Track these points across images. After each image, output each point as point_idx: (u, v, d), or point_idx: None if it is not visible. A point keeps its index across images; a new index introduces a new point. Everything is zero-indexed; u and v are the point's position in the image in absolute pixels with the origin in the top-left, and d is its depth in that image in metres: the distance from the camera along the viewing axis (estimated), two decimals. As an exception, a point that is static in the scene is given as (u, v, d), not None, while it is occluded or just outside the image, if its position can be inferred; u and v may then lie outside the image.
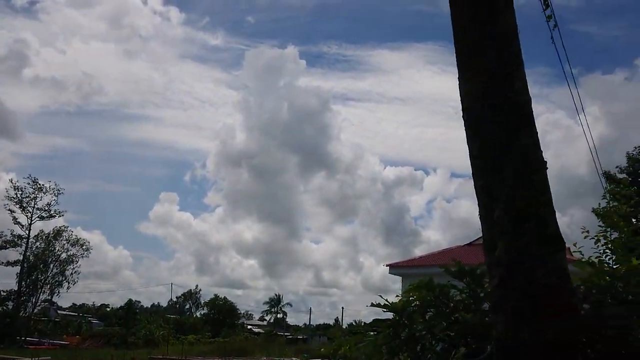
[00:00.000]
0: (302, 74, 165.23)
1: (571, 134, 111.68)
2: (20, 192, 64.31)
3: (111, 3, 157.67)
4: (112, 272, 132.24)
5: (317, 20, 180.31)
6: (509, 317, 3.42)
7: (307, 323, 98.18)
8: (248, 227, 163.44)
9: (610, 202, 12.65)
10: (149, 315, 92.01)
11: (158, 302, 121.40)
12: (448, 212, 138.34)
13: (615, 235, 8.85)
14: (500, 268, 3.48)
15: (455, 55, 4.13)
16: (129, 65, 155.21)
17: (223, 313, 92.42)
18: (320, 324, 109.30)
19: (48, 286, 68.54)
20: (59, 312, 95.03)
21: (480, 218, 3.79)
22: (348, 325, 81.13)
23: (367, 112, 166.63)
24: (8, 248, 63.20)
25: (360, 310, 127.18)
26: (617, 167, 31.15)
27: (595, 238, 8.23)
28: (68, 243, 69.13)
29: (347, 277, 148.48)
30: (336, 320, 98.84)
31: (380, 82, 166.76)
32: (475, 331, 6.52)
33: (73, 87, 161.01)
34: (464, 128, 4.05)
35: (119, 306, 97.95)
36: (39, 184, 65.39)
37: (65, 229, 69.55)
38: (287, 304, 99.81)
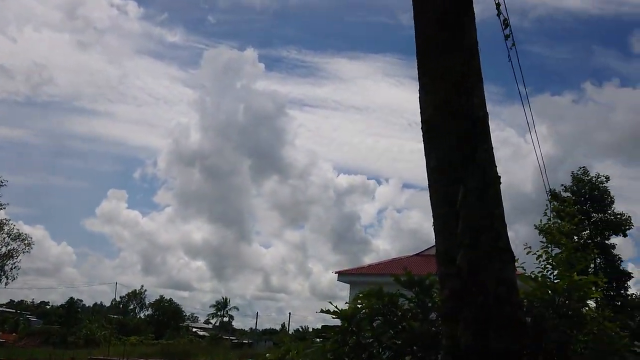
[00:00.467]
0: (260, 77, 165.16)
1: (519, 152, 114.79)
2: (-42, 182, 61.77)
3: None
4: (54, 269, 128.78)
5: (278, 25, 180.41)
6: (460, 327, 3.50)
7: (254, 327, 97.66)
8: (197, 228, 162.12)
9: (551, 219, 13.08)
10: (90, 315, 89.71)
11: (101, 302, 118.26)
12: (398, 222, 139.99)
13: (556, 251, 9.20)
14: (457, 279, 3.55)
15: (417, 66, 4.22)
16: (82, 57, 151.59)
17: (168, 315, 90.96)
18: (266, 329, 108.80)
19: (-15, 281, 65.98)
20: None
21: (434, 229, 3.86)
22: (295, 330, 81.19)
23: (323, 119, 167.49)
24: (-57, 239, 60.51)
25: (307, 316, 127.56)
26: (562, 185, 32.29)
27: (537, 254, 8.53)
28: (9, 237, 66.74)
29: (295, 283, 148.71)
30: (283, 325, 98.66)
31: (337, 90, 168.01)
32: (422, 340, 6.64)
33: (22, 76, 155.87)
34: (417, 140, 4.13)
35: (59, 304, 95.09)
36: (-19, 174, 62.99)
37: (7, 222, 67.22)
38: (234, 307, 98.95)
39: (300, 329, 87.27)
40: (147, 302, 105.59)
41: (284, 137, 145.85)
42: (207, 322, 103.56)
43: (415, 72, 4.23)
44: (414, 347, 6.77)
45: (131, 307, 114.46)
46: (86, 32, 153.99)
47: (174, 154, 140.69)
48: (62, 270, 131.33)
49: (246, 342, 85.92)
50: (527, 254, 8.74)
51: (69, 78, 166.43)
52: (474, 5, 4.24)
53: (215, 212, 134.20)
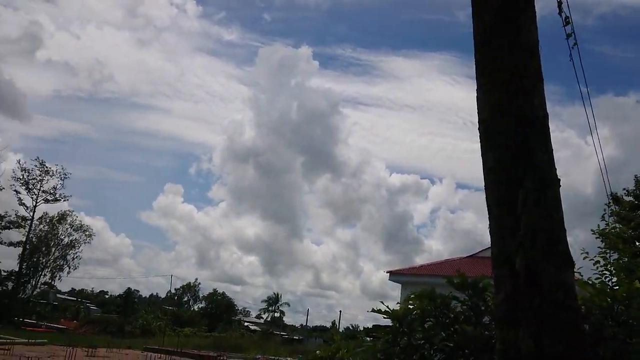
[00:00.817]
0: (314, 74, 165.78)
1: (580, 154, 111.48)
2: (27, 174, 64.64)
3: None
4: (113, 260, 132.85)
5: (333, 23, 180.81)
6: (515, 331, 3.43)
7: (304, 324, 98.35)
8: (250, 224, 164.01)
9: (609, 224, 12.61)
10: (147, 305, 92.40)
11: (157, 293, 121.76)
12: (451, 222, 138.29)
13: (614, 256, 8.88)
14: (513, 282, 3.48)
15: (475, 66, 4.14)
16: (141, 55, 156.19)
17: (220, 308, 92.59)
18: (317, 326, 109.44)
19: (49, 269, 68.89)
20: (58, 295, 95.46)
21: (490, 231, 3.79)
22: (345, 329, 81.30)
23: (377, 118, 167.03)
24: (11, 228, 63.46)
25: (357, 314, 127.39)
26: (624, 189, 31.09)
27: (595, 259, 8.26)
28: (71, 228, 69.51)
29: (346, 281, 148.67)
30: (333, 323, 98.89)
31: (392, 88, 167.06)
32: (474, 344, 6.53)
33: (85, 73, 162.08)
34: (472, 140, 4.07)
35: (117, 294, 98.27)
36: (46, 167, 65.72)
37: (70, 214, 69.93)
38: (285, 303, 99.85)
39: (351, 327, 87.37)
40: (200, 295, 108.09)
41: (337, 135, 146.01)
42: (258, 316, 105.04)
43: (471, 71, 4.16)
44: (466, 350, 6.67)
45: (185, 299, 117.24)
46: (146, 30, 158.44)
47: (228, 150, 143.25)
48: (120, 261, 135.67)
49: (296, 338, 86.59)
50: (583, 259, 8.49)
51: (129, 75, 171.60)
52: (534, 3, 4.15)
53: (268, 209, 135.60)
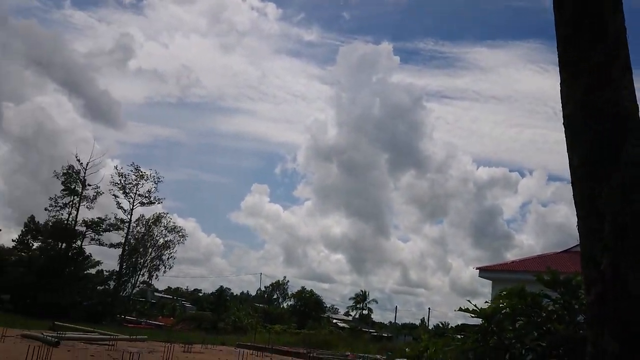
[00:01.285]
0: (395, 70, 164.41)
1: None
2: (123, 179, 68.22)
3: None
4: (205, 259, 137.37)
5: (413, 16, 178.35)
6: (602, 333, 3.30)
7: (393, 321, 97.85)
8: (336, 222, 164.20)
9: None
10: (238, 303, 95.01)
11: (247, 291, 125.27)
12: (543, 216, 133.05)
13: None
14: (600, 283, 3.36)
15: (557, 57, 4.01)
16: (225, 59, 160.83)
17: (309, 305, 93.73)
18: (405, 323, 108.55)
19: (146, 269, 72.36)
20: (155, 294, 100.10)
21: (578, 230, 3.66)
22: (434, 326, 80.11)
23: (462, 111, 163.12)
24: (111, 231, 67.12)
25: (447, 312, 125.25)
26: None
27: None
28: (166, 229, 72.64)
29: (435, 278, 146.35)
30: (422, 320, 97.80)
31: (477, 80, 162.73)
32: (568, 344, 6.30)
33: (173, 79, 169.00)
34: (563, 130, 3.92)
35: (210, 292, 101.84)
36: (141, 172, 69.04)
37: (164, 216, 73.14)
38: (373, 300, 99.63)
39: (440, 325, 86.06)
40: (289, 293, 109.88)
41: (421, 130, 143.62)
42: (347, 314, 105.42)
43: (559, 57, 4.02)
44: (560, 351, 6.45)
45: (275, 296, 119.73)
46: (229, 36, 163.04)
47: (312, 149, 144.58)
48: (211, 260, 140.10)
49: (385, 335, 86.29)
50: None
51: (214, 79, 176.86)
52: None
53: (353, 206, 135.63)
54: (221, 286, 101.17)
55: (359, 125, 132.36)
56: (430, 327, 79.07)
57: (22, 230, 65.30)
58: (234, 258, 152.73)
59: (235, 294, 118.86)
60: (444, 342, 8.66)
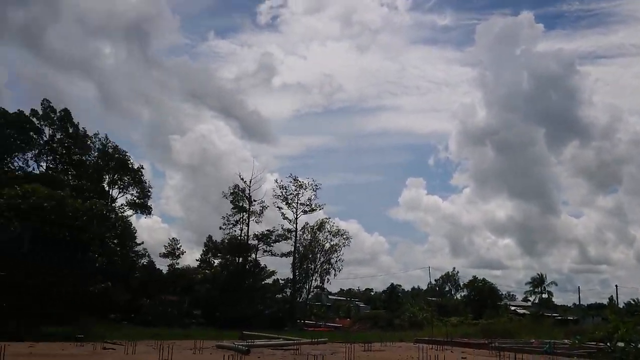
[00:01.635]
0: (540, 38, 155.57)
1: None
2: (284, 190, 71.48)
3: (340, 2, 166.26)
4: (371, 258, 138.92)
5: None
6: None
7: (577, 303, 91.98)
8: (499, 206, 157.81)
9: None
10: (410, 298, 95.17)
11: (418, 285, 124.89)
12: None
13: None
14: None
15: None
16: (362, 60, 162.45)
17: (483, 294, 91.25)
18: (591, 304, 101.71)
19: (318, 274, 74.92)
20: (329, 297, 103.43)
21: None
22: (625, 304, 74.10)
23: (622, 69, 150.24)
24: (280, 241, 70.61)
25: (638, 287, 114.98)
26: None
27: None
28: (330, 234, 74.78)
29: (617, 252, 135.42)
30: (610, 299, 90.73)
31: (634, 32, 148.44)
32: None
33: (317, 89, 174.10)
34: None
35: (381, 290, 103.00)
36: (299, 181, 71.88)
37: (327, 221, 75.40)
38: (552, 282, 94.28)
39: (633, 302, 79.33)
40: (461, 284, 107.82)
41: (578, 97, 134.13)
42: (525, 299, 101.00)
43: None
44: None
45: (446, 288, 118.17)
46: (362, 36, 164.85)
47: (463, 134, 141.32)
48: (378, 259, 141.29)
49: (571, 318, 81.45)
50: None
51: (355, 82, 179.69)
52: None
53: (515, 187, 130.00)
54: (392, 283, 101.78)
55: (509, 103, 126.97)
56: (620, 306, 73.20)
57: (203, 250, 71.72)
58: (400, 254, 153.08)
59: (406, 289, 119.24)
60: (636, 321, 8.07)
